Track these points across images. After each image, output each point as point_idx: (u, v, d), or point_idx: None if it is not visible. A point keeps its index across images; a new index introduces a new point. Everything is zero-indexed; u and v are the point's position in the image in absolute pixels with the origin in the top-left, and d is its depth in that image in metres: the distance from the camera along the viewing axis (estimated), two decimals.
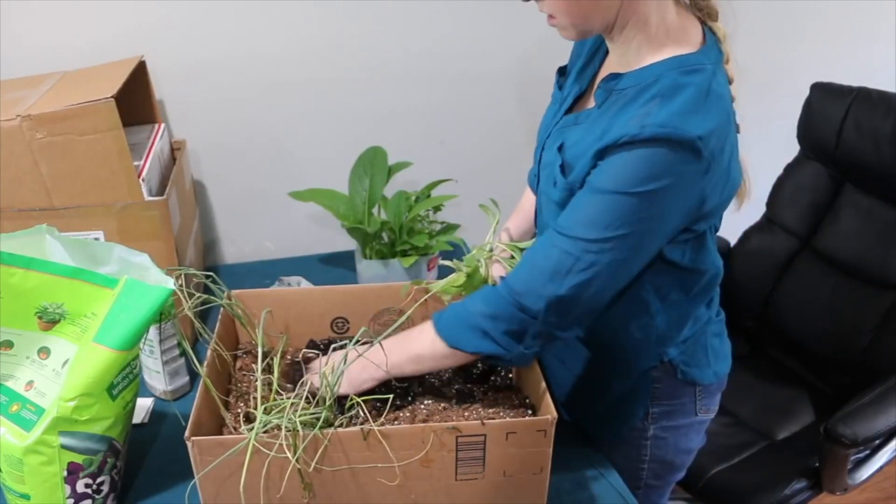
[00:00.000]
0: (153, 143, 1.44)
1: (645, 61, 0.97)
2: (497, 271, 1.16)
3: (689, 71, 0.94)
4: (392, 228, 1.60)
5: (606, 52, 1.07)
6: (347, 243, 1.77)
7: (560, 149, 1.02)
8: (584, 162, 0.96)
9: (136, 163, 1.32)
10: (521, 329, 0.98)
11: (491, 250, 1.14)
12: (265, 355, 1.10)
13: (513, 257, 1.14)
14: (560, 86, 1.16)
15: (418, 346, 1.04)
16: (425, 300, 1.20)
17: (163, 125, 1.53)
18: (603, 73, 1.05)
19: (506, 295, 0.97)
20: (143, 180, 1.30)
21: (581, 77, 1.10)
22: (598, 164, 0.94)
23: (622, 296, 1.03)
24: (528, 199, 1.34)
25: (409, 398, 1.11)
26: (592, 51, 1.10)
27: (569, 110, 1.09)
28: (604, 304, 0.99)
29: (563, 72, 1.18)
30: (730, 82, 1.00)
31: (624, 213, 0.91)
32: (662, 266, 1.03)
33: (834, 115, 1.68)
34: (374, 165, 1.62)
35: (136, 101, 1.49)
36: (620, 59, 1.00)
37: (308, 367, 1.12)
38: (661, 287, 1.07)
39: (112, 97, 1.23)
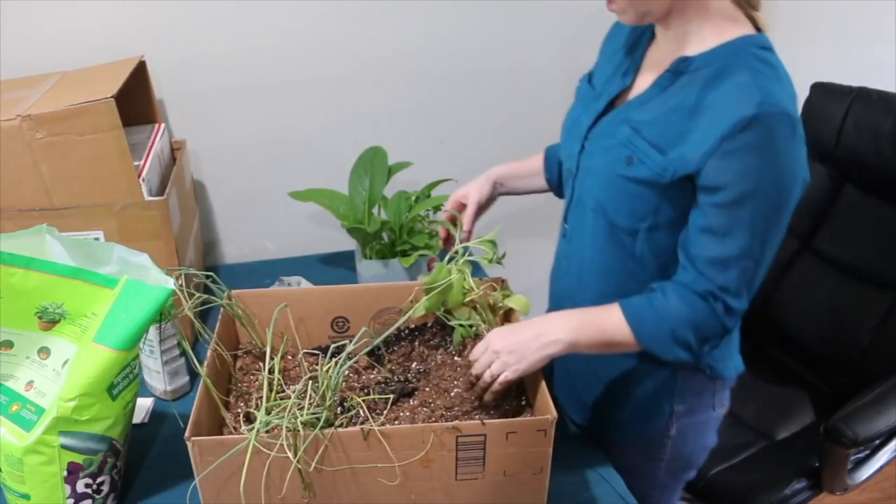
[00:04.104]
0: (153, 143, 1.44)
1: (710, 43, 0.99)
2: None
3: (763, 48, 0.97)
4: (392, 228, 1.60)
5: (646, 47, 1.09)
6: (347, 243, 1.77)
7: (635, 130, 1.02)
8: (695, 143, 0.95)
9: (136, 163, 1.32)
10: (715, 339, 1.02)
11: (457, 252, 1.16)
12: (264, 356, 1.10)
13: (469, 254, 1.17)
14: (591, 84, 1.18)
15: (613, 335, 1.03)
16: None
17: (163, 125, 1.53)
18: (651, 63, 1.07)
19: (714, 307, 0.99)
20: (143, 180, 1.30)
21: (624, 73, 1.10)
22: (720, 161, 0.93)
23: None
24: (536, 159, 1.37)
25: (410, 398, 1.12)
26: (629, 47, 1.12)
27: (612, 104, 1.11)
28: None
29: (590, 77, 1.20)
30: None
31: (768, 209, 0.94)
32: None
33: (834, 115, 1.68)
34: (374, 165, 1.62)
35: (136, 101, 1.49)
36: (678, 44, 1.01)
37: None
38: None
39: (112, 97, 1.23)
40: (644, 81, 1.06)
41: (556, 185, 1.33)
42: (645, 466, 1.26)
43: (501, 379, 1.04)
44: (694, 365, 1.14)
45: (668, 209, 1.01)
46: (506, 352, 1.04)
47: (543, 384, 1.05)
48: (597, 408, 1.26)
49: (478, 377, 1.07)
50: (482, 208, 1.32)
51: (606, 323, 1.04)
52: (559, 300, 1.26)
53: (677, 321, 1.01)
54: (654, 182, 1.00)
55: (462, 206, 1.32)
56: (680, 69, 1.00)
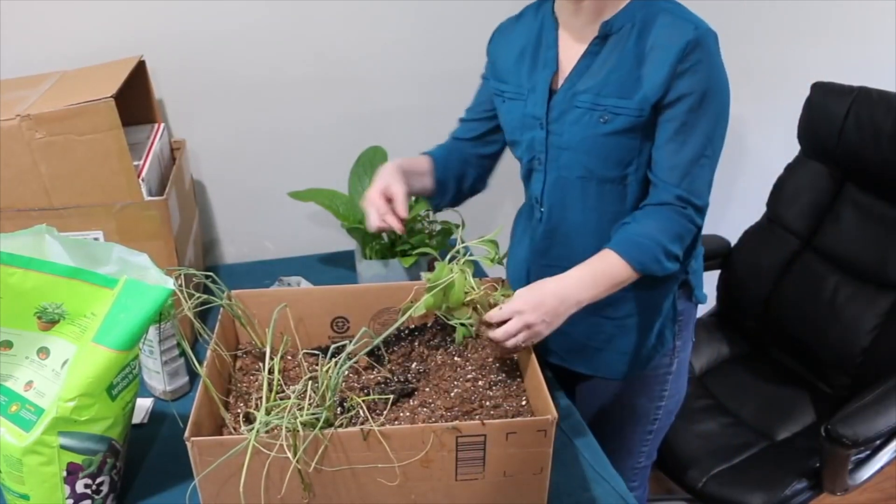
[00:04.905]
0: (153, 143, 1.44)
1: (620, 3, 1.14)
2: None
3: None
4: None
5: (554, 36, 1.21)
6: (347, 243, 1.77)
7: (595, 94, 1.14)
8: (652, 79, 1.10)
9: (135, 163, 1.32)
10: (692, 243, 1.19)
11: (458, 252, 1.15)
12: (263, 356, 1.10)
13: (470, 254, 1.16)
14: (513, 87, 1.26)
15: (620, 276, 1.13)
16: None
17: (162, 125, 1.53)
18: (570, 43, 1.19)
19: (684, 212, 1.13)
20: (142, 180, 1.30)
21: (546, 60, 1.21)
22: (677, 81, 1.09)
23: None
24: (422, 160, 1.35)
25: (410, 398, 1.11)
26: (535, 41, 1.23)
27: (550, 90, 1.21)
28: None
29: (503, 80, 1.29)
30: None
31: (716, 110, 1.12)
32: None
33: (835, 115, 1.68)
34: (374, 165, 1.62)
35: (135, 100, 1.49)
36: (594, 15, 1.15)
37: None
38: None
39: (112, 97, 1.23)
40: (569, 59, 1.19)
41: (441, 184, 1.34)
42: (646, 408, 1.37)
43: (529, 344, 1.12)
44: (683, 287, 1.28)
45: (648, 147, 1.15)
46: (538, 322, 1.09)
47: (543, 384, 1.05)
48: (605, 346, 1.31)
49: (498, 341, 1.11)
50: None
51: (610, 268, 1.13)
52: (549, 272, 1.22)
53: (664, 240, 1.13)
54: (634, 126, 1.13)
55: (389, 201, 1.21)
56: (606, 32, 1.15)
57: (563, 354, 1.36)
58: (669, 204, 1.13)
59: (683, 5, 1.14)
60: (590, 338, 1.31)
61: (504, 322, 1.09)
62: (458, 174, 1.37)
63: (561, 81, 1.20)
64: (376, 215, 1.19)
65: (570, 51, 1.19)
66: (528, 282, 1.32)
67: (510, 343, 1.09)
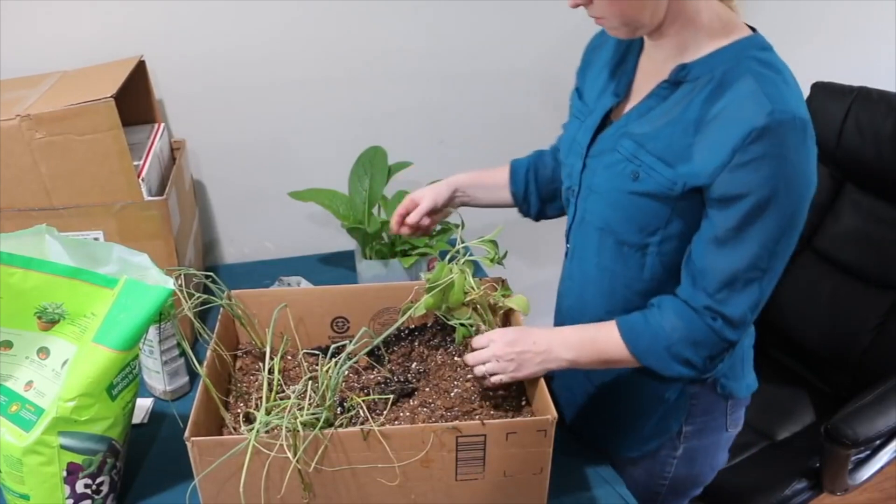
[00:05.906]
0: (153, 143, 1.44)
1: (706, 48, 0.97)
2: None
3: (763, 48, 0.96)
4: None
5: (636, 59, 1.07)
6: (347, 243, 1.77)
7: (639, 144, 1.00)
8: (705, 157, 0.93)
9: (135, 163, 1.32)
10: (720, 353, 1.01)
11: (458, 252, 1.15)
12: (264, 356, 1.10)
13: (470, 254, 1.15)
14: (581, 104, 1.16)
15: (612, 353, 1.04)
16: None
17: (162, 125, 1.53)
18: (645, 74, 1.05)
19: (712, 324, 0.98)
20: (142, 180, 1.30)
21: (616, 86, 1.09)
22: (733, 174, 0.91)
23: None
24: (501, 171, 1.33)
25: (410, 398, 1.11)
26: (617, 60, 1.10)
27: (607, 117, 1.09)
28: None
29: (578, 92, 1.18)
30: None
31: (780, 219, 0.92)
32: None
33: (834, 115, 1.68)
34: (374, 165, 1.62)
35: (135, 100, 1.49)
36: (673, 53, 0.99)
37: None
38: None
39: (111, 97, 1.23)
40: (639, 93, 1.05)
41: (521, 198, 1.31)
42: (646, 482, 1.24)
43: (495, 380, 1.06)
44: (703, 382, 1.12)
45: (679, 221, 1.00)
46: (506, 359, 1.04)
47: (543, 384, 1.05)
48: (597, 417, 1.24)
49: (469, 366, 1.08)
50: (435, 212, 1.28)
51: (604, 342, 1.04)
52: (563, 319, 1.24)
53: (673, 338, 1.00)
54: (665, 195, 0.98)
55: (415, 207, 1.27)
56: (679, 78, 0.98)
57: (561, 400, 1.28)
58: (695, 310, 0.99)
59: (783, 70, 0.93)
60: (582, 395, 1.24)
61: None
62: (543, 192, 1.28)
63: (623, 114, 1.06)
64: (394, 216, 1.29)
65: (644, 84, 1.04)
66: (555, 320, 1.28)
67: (478, 370, 1.06)
